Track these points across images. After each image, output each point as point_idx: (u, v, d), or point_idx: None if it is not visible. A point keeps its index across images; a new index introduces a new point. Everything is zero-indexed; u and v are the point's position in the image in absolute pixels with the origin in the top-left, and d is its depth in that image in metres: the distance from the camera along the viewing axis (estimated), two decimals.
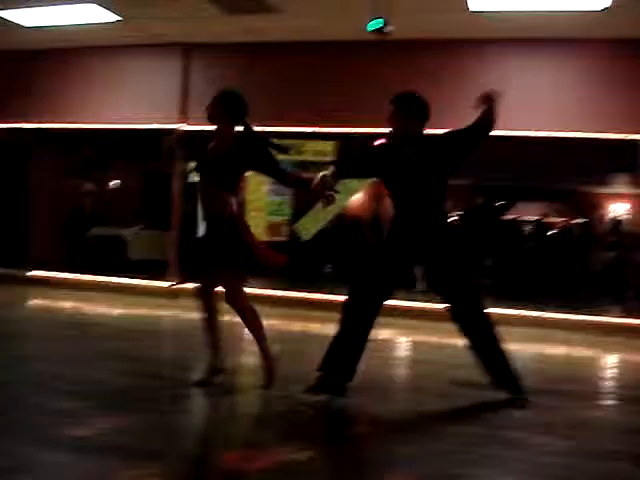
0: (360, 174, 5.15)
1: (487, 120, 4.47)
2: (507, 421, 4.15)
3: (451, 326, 4.57)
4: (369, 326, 4.43)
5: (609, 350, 7.48)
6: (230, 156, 4.52)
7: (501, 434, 3.83)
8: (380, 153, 4.69)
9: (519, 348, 7.23)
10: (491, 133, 4.50)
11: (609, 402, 5.16)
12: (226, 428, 3.96)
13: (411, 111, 4.47)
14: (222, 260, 4.49)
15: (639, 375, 6.40)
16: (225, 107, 4.65)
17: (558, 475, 3.28)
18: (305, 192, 4.69)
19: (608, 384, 5.97)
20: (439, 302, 4.60)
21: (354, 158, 4.99)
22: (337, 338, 4.44)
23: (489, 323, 4.50)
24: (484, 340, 4.50)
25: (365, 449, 3.63)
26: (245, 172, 4.72)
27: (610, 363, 7.14)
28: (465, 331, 4.53)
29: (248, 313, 4.56)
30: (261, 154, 4.57)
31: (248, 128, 4.64)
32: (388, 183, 4.64)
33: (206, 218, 4.72)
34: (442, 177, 4.52)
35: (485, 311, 4.51)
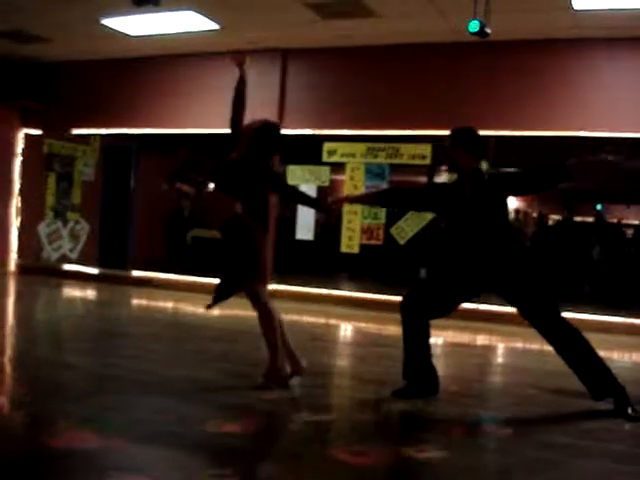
0: (404, 206, 5.20)
1: (561, 176, 4.39)
2: (612, 433, 4.01)
3: None
4: (426, 328, 4.53)
5: None
6: (238, 169, 4.65)
7: (610, 447, 3.72)
8: (438, 190, 4.88)
9: (623, 356, 7.03)
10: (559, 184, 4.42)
11: None
12: (318, 429, 3.98)
13: (468, 147, 4.49)
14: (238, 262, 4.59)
15: None
16: (257, 138, 4.71)
17: None
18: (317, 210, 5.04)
19: None
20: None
21: (402, 191, 5.03)
22: (404, 343, 4.58)
23: (572, 331, 4.40)
24: (570, 348, 4.40)
25: (464, 457, 3.58)
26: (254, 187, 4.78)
27: None
28: (547, 339, 4.47)
29: (264, 313, 4.62)
30: (261, 180, 4.70)
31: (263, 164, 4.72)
32: (446, 217, 4.72)
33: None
34: (503, 208, 4.53)
35: (564, 320, 4.41)
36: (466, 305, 4.86)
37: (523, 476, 3.26)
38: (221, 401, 4.27)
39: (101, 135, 11.24)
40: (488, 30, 6.86)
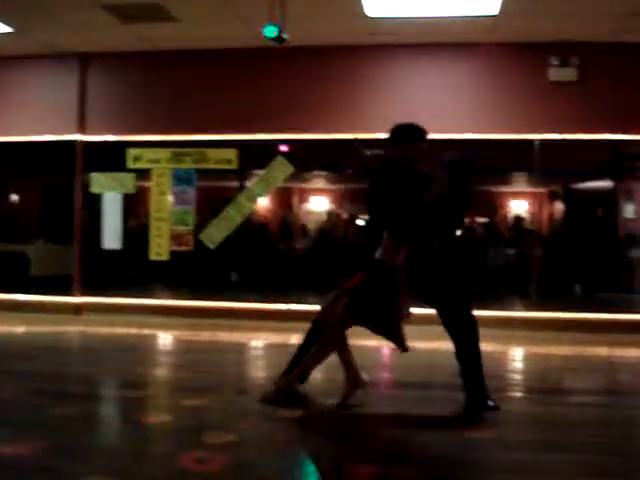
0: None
1: None
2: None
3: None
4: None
5: (513, 343, 7.72)
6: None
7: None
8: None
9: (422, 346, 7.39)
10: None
11: (517, 394, 5.34)
12: (133, 441, 3.89)
13: (394, 139, 4.63)
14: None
15: (544, 366, 6.63)
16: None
17: None
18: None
19: (515, 377, 6.16)
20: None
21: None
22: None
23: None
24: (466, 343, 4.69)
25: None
26: None
27: (516, 356, 7.36)
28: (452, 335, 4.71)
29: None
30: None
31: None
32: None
33: None
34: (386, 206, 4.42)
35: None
36: None
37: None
38: (23, 421, 4.07)
39: None
40: (285, 36, 6.93)
